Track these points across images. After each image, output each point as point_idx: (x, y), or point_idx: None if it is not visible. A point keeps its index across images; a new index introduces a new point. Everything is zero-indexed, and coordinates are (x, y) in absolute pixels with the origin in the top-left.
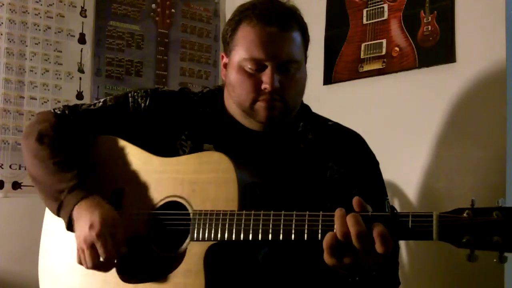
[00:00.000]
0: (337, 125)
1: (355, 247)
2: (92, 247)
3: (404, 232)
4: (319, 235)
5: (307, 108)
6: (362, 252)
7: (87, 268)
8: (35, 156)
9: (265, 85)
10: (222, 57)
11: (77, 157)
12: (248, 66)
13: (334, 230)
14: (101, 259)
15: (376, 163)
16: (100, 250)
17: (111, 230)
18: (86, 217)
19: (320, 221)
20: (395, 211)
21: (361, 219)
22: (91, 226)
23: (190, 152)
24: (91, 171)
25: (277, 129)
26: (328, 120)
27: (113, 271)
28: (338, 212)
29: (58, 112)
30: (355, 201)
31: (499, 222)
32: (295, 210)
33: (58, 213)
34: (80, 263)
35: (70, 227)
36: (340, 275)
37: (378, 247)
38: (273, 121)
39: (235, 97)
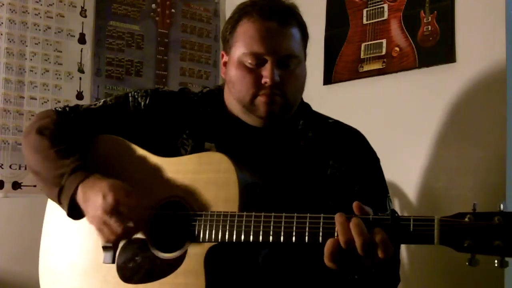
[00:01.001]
0: (337, 123)
1: (358, 254)
2: (114, 213)
3: (405, 236)
4: (320, 237)
5: (307, 106)
6: (365, 258)
7: (115, 238)
8: (36, 149)
9: (265, 79)
10: (222, 55)
11: (77, 146)
12: (248, 61)
13: (336, 235)
14: (129, 220)
15: (377, 160)
16: (124, 210)
17: (124, 191)
18: (94, 192)
19: (321, 223)
20: (396, 214)
21: (365, 228)
22: (104, 196)
23: (192, 150)
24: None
25: (278, 126)
26: (328, 118)
27: (113, 271)
28: (339, 218)
29: (59, 110)
30: (355, 206)
31: (500, 227)
32: (296, 209)
33: (59, 198)
34: (108, 242)
35: (72, 211)
36: (339, 275)
37: (380, 254)
38: (273, 116)
39: (236, 93)
